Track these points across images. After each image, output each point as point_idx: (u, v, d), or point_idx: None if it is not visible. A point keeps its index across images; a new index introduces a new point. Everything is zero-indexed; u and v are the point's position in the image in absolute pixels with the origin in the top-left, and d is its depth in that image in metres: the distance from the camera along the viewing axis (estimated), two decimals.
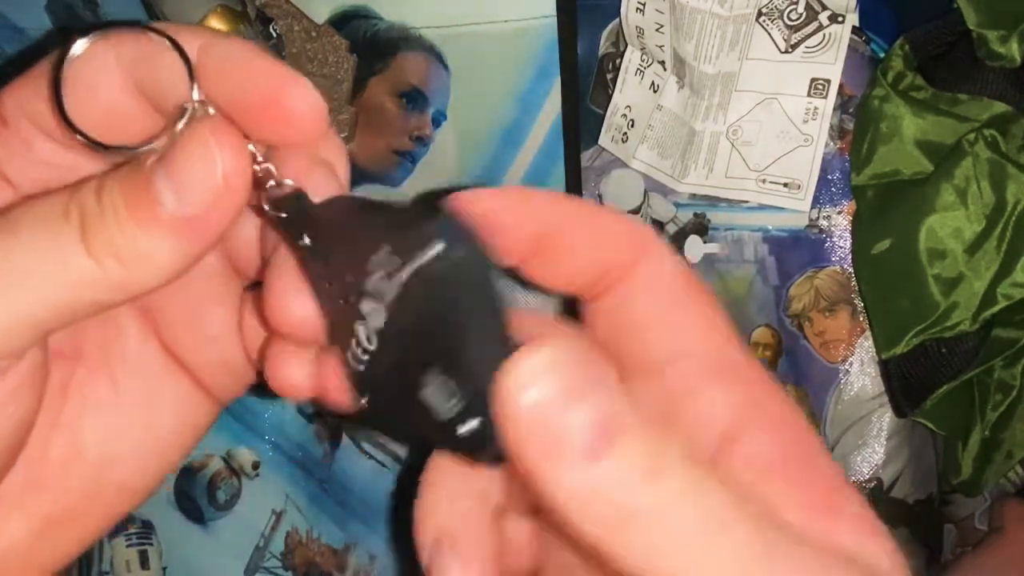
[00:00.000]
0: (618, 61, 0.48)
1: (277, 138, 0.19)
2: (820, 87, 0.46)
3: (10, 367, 0.18)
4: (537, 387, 0.14)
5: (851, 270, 0.47)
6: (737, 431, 0.18)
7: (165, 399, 0.22)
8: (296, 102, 0.19)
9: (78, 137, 0.18)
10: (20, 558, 0.20)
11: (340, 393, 0.19)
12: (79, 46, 0.19)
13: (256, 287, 0.22)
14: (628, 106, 0.48)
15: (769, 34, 0.45)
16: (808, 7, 0.45)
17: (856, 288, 0.46)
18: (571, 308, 0.24)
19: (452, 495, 0.20)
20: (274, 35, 0.45)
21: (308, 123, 0.19)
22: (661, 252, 0.20)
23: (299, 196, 0.19)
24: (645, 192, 0.48)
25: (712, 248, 0.48)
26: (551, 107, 0.48)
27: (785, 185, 0.47)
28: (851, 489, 0.18)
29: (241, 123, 0.19)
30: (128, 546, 0.51)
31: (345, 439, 0.50)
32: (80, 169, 0.20)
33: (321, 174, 0.19)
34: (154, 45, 0.19)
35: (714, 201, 0.48)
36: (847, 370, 0.47)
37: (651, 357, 0.20)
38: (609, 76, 0.48)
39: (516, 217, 0.20)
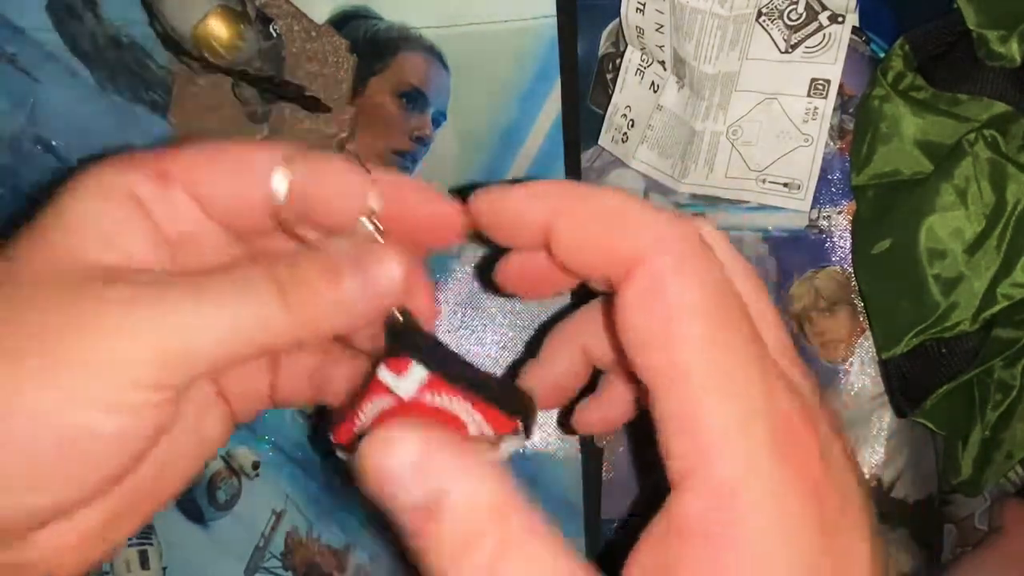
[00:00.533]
0: (618, 61, 0.48)
1: (432, 243, 0.27)
2: (820, 87, 0.46)
3: (181, 399, 0.22)
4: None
5: (851, 270, 0.47)
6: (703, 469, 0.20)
7: (210, 416, 0.27)
8: (455, 216, 0.26)
9: (284, 225, 0.25)
10: (96, 537, 0.24)
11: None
12: (286, 176, 0.25)
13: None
14: (628, 106, 0.48)
15: (769, 34, 0.45)
16: (808, 7, 0.45)
17: (856, 288, 0.46)
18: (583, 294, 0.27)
19: (565, 337, 0.29)
20: (274, 35, 0.45)
21: (458, 232, 0.26)
22: (671, 254, 0.21)
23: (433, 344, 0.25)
24: (645, 192, 0.48)
25: None
26: (551, 107, 0.48)
27: (785, 185, 0.47)
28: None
29: (402, 230, 0.25)
30: (128, 546, 0.51)
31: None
32: (208, 233, 0.25)
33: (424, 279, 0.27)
34: (325, 166, 0.25)
35: (714, 201, 0.48)
36: (847, 370, 0.47)
37: (641, 376, 0.21)
38: (609, 76, 0.48)
39: (524, 208, 0.24)
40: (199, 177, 0.25)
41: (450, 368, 0.25)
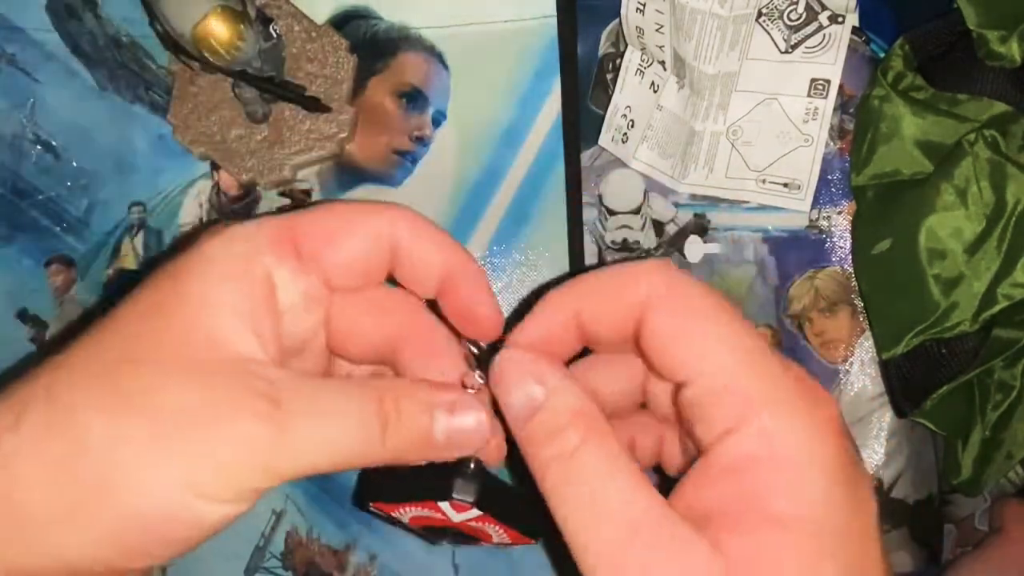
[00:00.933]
0: (618, 61, 0.48)
1: (469, 335, 0.29)
2: (820, 87, 0.46)
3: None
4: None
5: (851, 270, 0.47)
6: (734, 431, 0.23)
7: None
8: (495, 321, 0.29)
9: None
10: None
11: None
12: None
13: None
14: (628, 106, 0.48)
15: (769, 34, 0.45)
16: (808, 7, 0.45)
17: (856, 288, 0.46)
18: None
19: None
20: (274, 35, 0.45)
21: (492, 337, 0.29)
22: (663, 293, 0.25)
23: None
24: (645, 192, 0.48)
25: (712, 248, 0.48)
26: (551, 107, 0.48)
27: (785, 185, 0.47)
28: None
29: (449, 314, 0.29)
30: None
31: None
32: (320, 298, 0.27)
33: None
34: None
35: (714, 201, 0.48)
36: (847, 370, 0.47)
37: (672, 379, 0.25)
38: (609, 76, 0.48)
39: (553, 323, 0.27)
40: (320, 254, 0.27)
41: (498, 507, 0.29)
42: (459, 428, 0.26)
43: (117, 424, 0.23)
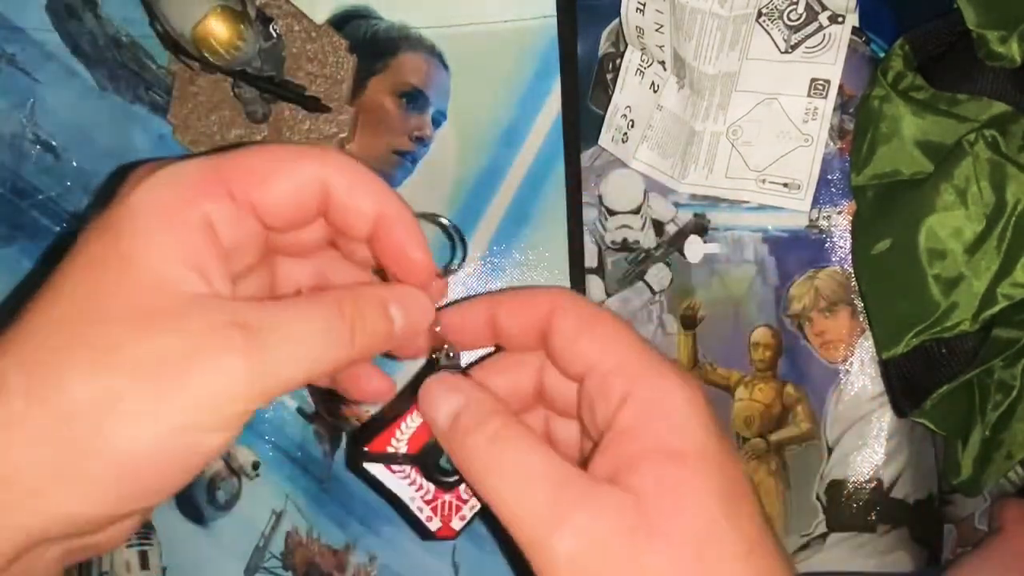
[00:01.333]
0: (618, 61, 0.48)
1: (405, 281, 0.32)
2: (820, 87, 0.46)
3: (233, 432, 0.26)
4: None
5: (851, 270, 0.47)
6: (620, 410, 0.28)
7: None
8: (428, 269, 0.32)
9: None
10: (139, 522, 0.29)
11: None
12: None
13: None
14: (628, 106, 0.48)
15: (769, 34, 0.45)
16: (808, 7, 0.45)
17: (856, 288, 0.46)
18: None
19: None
20: (274, 35, 0.45)
21: (426, 283, 0.33)
22: (567, 302, 0.31)
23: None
24: (645, 192, 0.48)
25: (712, 248, 0.48)
26: (551, 107, 0.48)
27: (785, 185, 0.47)
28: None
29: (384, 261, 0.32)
30: (128, 547, 0.51)
31: (345, 439, 0.50)
32: (259, 236, 0.29)
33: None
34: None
35: (714, 201, 0.48)
36: (847, 370, 0.47)
37: (575, 372, 0.30)
38: (609, 76, 0.48)
39: (470, 319, 0.33)
40: (253, 195, 0.28)
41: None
42: (412, 315, 0.30)
43: (99, 382, 0.23)
